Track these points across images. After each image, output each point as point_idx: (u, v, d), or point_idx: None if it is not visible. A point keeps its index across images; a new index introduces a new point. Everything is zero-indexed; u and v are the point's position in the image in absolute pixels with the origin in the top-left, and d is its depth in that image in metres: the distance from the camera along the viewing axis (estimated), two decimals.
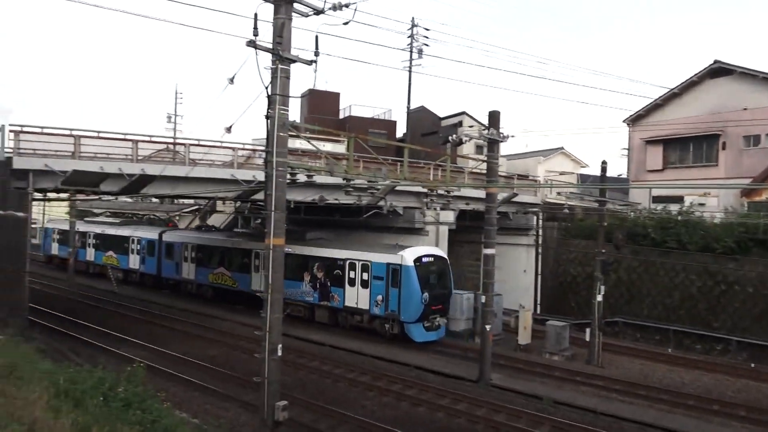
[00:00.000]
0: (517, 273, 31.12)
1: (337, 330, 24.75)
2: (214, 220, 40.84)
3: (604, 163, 22.41)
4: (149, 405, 10.92)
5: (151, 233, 35.61)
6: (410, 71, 38.43)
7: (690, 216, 27.35)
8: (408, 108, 39.23)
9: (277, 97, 11.71)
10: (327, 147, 25.78)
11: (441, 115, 43.01)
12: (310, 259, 25.35)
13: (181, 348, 21.15)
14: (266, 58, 11.70)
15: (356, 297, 23.43)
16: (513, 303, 27.17)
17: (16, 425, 6.57)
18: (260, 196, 19.93)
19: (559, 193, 35.09)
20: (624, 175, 41.17)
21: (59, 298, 30.93)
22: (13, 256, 17.73)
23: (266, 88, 11.69)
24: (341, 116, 41.84)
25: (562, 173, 38.74)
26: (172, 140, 27.66)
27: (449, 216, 26.64)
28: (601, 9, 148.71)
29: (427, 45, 38.37)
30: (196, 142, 21.26)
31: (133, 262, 36.17)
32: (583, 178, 39.91)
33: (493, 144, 18.59)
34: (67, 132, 18.82)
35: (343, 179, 16.95)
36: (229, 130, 12.84)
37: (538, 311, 30.34)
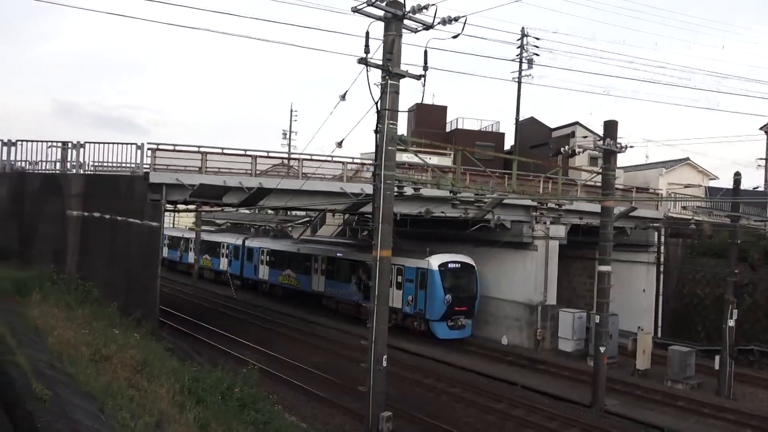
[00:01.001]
0: (635, 292, 29.10)
1: (414, 338, 24.80)
2: (324, 231, 42.39)
3: (737, 174, 20.43)
4: (262, 406, 11.50)
5: (236, 240, 39.99)
6: (519, 82, 37.61)
7: None
8: (517, 119, 38.35)
9: (387, 111, 11.94)
10: (434, 160, 25.83)
11: (551, 126, 41.58)
12: (356, 263, 28.10)
13: (290, 353, 22.07)
14: (376, 75, 12.00)
15: (392, 297, 24.50)
16: (630, 325, 25.43)
17: (147, 417, 7.18)
18: (368, 208, 20.37)
19: (684, 208, 32.42)
20: (761, 188, 37.19)
21: (183, 301, 33.59)
22: (148, 262, 19.57)
23: (376, 103, 11.97)
24: (448, 129, 41.74)
25: (687, 186, 35.74)
26: (287, 156, 29.18)
27: (560, 230, 25.57)
28: (723, 5, 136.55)
29: (537, 54, 37.38)
30: (308, 157, 22.22)
31: (223, 264, 40.84)
32: (712, 191, 36.54)
33: (609, 155, 17.63)
34: (195, 149, 20.51)
35: (450, 192, 16.89)
36: (340, 144, 13.33)
37: (659, 334, 28.11)
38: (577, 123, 39.34)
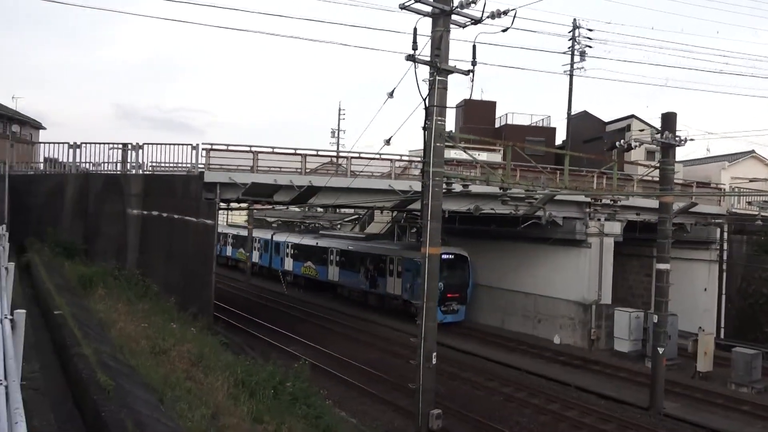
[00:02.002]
0: (695, 292, 27.89)
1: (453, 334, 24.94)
2: (372, 229, 42.61)
3: None
4: (313, 401, 11.68)
5: (265, 234, 43.67)
6: (571, 75, 36.65)
7: None
8: (569, 113, 37.39)
9: (435, 108, 11.88)
10: (482, 156, 25.51)
11: (605, 119, 40.29)
12: (363, 255, 31.33)
13: (340, 349, 22.30)
14: (424, 71, 11.96)
15: (393, 285, 28.96)
16: (690, 325, 24.38)
17: (204, 408, 7.42)
18: (416, 205, 20.34)
19: (749, 203, 30.79)
20: None
21: (234, 296, 34.49)
22: (203, 258, 20.19)
23: (424, 100, 11.93)
24: (497, 125, 41.11)
25: (752, 180, 33.93)
26: (335, 154, 29.45)
27: (615, 227, 24.79)
28: None
29: (590, 47, 36.31)
30: (357, 155, 22.36)
31: (255, 257, 44.15)
32: None
33: (667, 149, 16.95)
34: (247, 149, 20.98)
35: (500, 188, 16.65)
36: (388, 142, 13.32)
37: (721, 335, 26.83)
38: (632, 116, 38.04)
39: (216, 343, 14.08)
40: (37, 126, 41.93)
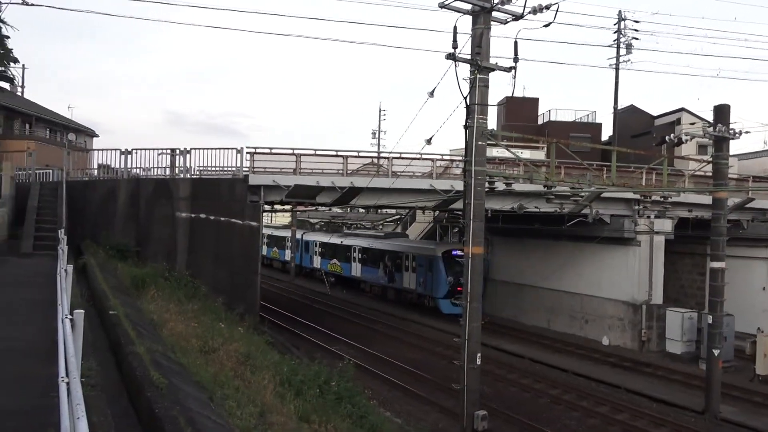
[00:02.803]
0: (752, 291, 26.65)
1: (496, 334, 24.05)
2: (414, 229, 42.55)
3: None
4: (358, 400, 11.75)
5: (296, 234, 45.84)
6: (617, 69, 35.63)
7: None
8: (615, 108, 36.38)
9: (476, 106, 11.79)
10: (525, 154, 25.17)
11: (654, 113, 39.05)
12: (382, 252, 33.67)
13: (383, 348, 22.37)
14: (465, 70, 11.87)
15: (408, 280, 31.29)
16: (748, 326, 23.35)
17: (251, 406, 7.58)
18: (458, 205, 20.21)
19: None
20: None
21: (279, 296, 35.05)
22: (248, 260, 20.63)
23: (465, 98, 11.85)
24: (540, 122, 40.53)
25: None
26: (376, 155, 29.58)
27: (666, 224, 23.98)
28: None
29: (636, 39, 35.22)
30: (398, 155, 22.40)
31: (287, 255, 46.96)
32: None
33: (721, 142, 16.28)
34: (290, 151, 21.32)
35: (544, 186, 16.37)
36: (429, 141, 13.30)
37: None
38: (682, 109, 36.78)
39: (262, 343, 14.35)
40: (91, 134, 43.79)
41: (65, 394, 3.54)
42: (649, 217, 23.66)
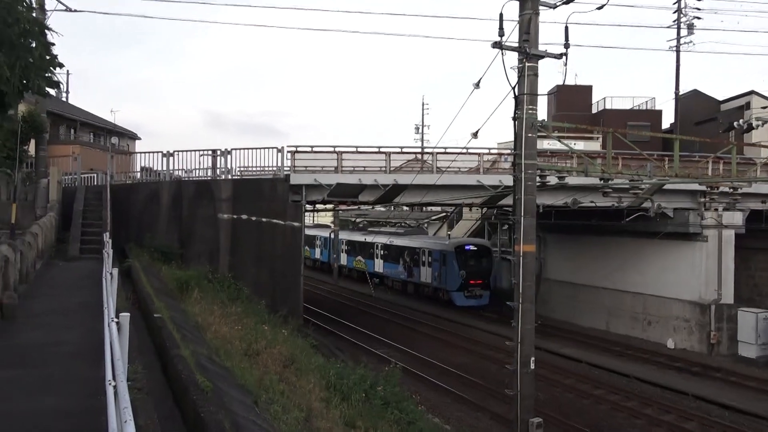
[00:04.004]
0: None
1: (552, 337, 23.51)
2: (460, 228, 42.24)
3: None
4: (405, 406, 11.76)
5: (325, 233, 49.49)
6: (678, 51, 34.37)
7: None
8: (676, 94, 35.11)
9: (525, 96, 11.56)
10: (579, 146, 24.63)
11: (719, 98, 37.51)
12: (401, 248, 36.28)
13: (430, 352, 22.31)
14: (512, 58, 11.67)
15: (423, 274, 33.96)
16: None
17: (297, 411, 7.68)
18: (508, 201, 19.92)
19: None
20: None
21: (321, 298, 35.43)
22: (291, 261, 20.95)
23: (513, 88, 11.64)
24: (594, 111, 39.65)
25: None
26: (420, 150, 29.51)
27: (736, 218, 22.99)
28: None
29: (698, 18, 33.90)
30: (442, 150, 22.30)
31: (318, 253, 50.50)
32: None
33: None
34: (331, 149, 21.54)
35: (600, 179, 15.90)
36: (475, 135, 13.12)
37: None
38: (752, 92, 35.19)
39: (306, 346, 14.52)
40: (134, 137, 45.42)
41: (112, 398, 3.66)
42: (716, 209, 22.73)
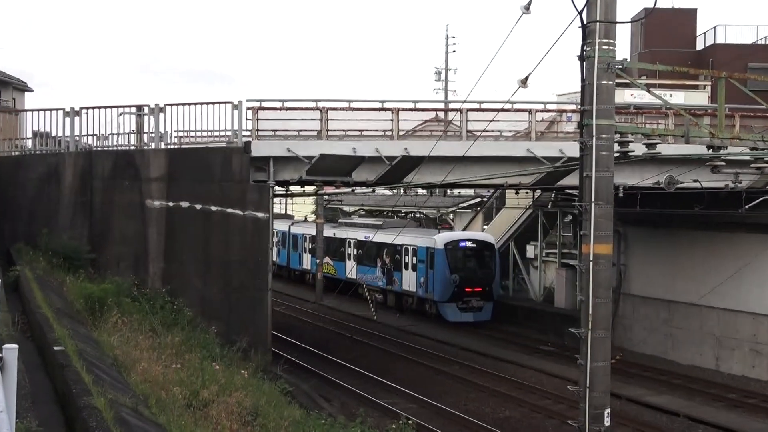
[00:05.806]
0: None
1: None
2: (503, 219, 42.16)
3: None
4: None
5: (283, 226, 51.70)
6: None
7: None
8: None
9: (597, 25, 11.52)
10: (677, 98, 24.56)
11: None
12: (382, 246, 37.68)
13: (461, 402, 22.47)
14: None
15: (408, 280, 35.54)
16: None
17: None
18: (571, 180, 19.87)
19: None
20: None
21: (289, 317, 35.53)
22: (254, 268, 20.95)
23: (579, 13, 11.60)
24: (700, 47, 39.53)
25: None
26: (443, 105, 29.41)
27: None
28: None
29: None
30: (476, 106, 22.25)
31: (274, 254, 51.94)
32: None
33: None
34: (313, 104, 21.48)
35: (708, 148, 15.85)
36: (524, 82, 13.07)
37: None
38: None
39: (276, 393, 14.60)
40: (22, 88, 45.41)
41: None
42: None
